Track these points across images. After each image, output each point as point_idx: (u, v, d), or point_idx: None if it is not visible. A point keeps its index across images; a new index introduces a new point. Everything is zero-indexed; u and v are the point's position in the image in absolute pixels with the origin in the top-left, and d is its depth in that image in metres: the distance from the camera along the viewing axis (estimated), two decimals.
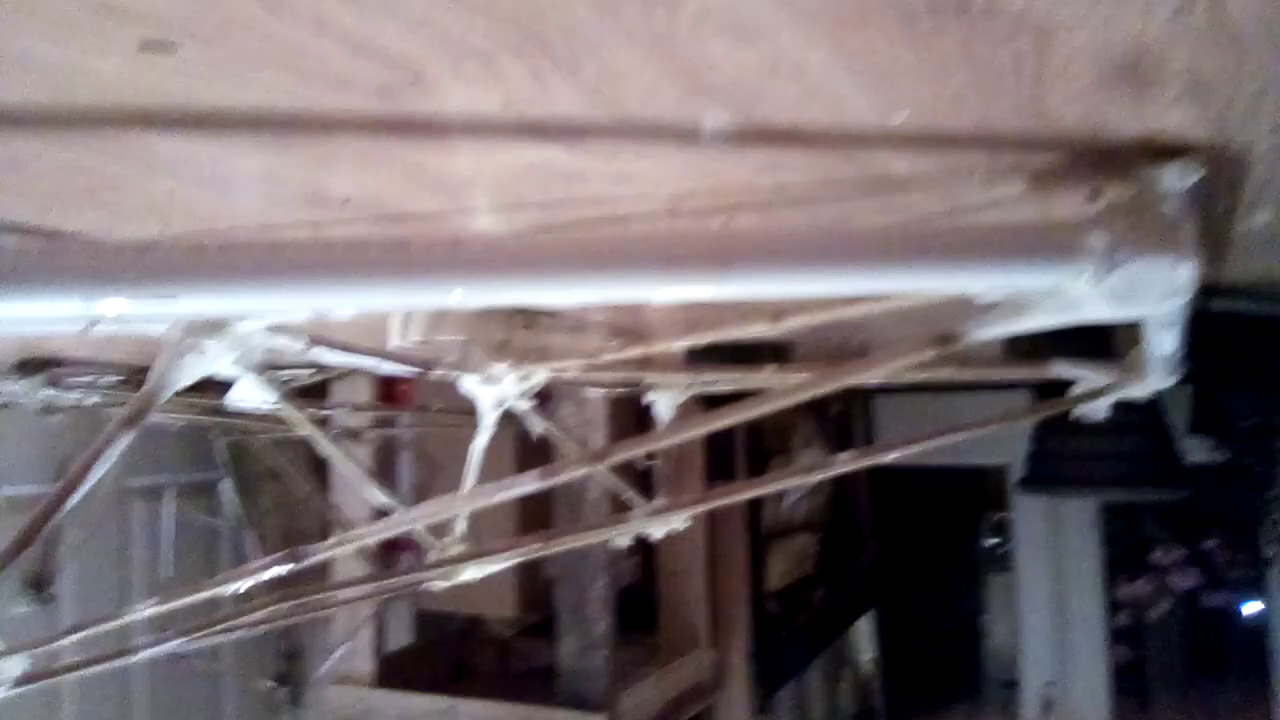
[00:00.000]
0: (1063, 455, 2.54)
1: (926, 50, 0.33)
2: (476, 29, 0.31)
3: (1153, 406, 2.46)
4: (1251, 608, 3.47)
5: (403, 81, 0.35)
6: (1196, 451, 2.62)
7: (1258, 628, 3.30)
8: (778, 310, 0.72)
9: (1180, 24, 0.31)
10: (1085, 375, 0.85)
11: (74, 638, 0.68)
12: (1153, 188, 0.46)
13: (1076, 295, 0.42)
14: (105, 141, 0.41)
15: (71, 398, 1.50)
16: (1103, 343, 0.88)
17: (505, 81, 0.36)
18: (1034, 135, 0.44)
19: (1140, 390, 0.83)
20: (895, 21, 0.31)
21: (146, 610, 0.69)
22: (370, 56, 0.33)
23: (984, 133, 0.43)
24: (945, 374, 1.06)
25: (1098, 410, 0.93)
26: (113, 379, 1.51)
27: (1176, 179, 0.46)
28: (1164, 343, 0.72)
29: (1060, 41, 0.33)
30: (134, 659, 0.74)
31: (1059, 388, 0.89)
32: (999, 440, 2.80)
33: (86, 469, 0.53)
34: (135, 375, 1.51)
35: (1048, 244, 0.39)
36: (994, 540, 4.61)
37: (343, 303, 0.38)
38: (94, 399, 1.54)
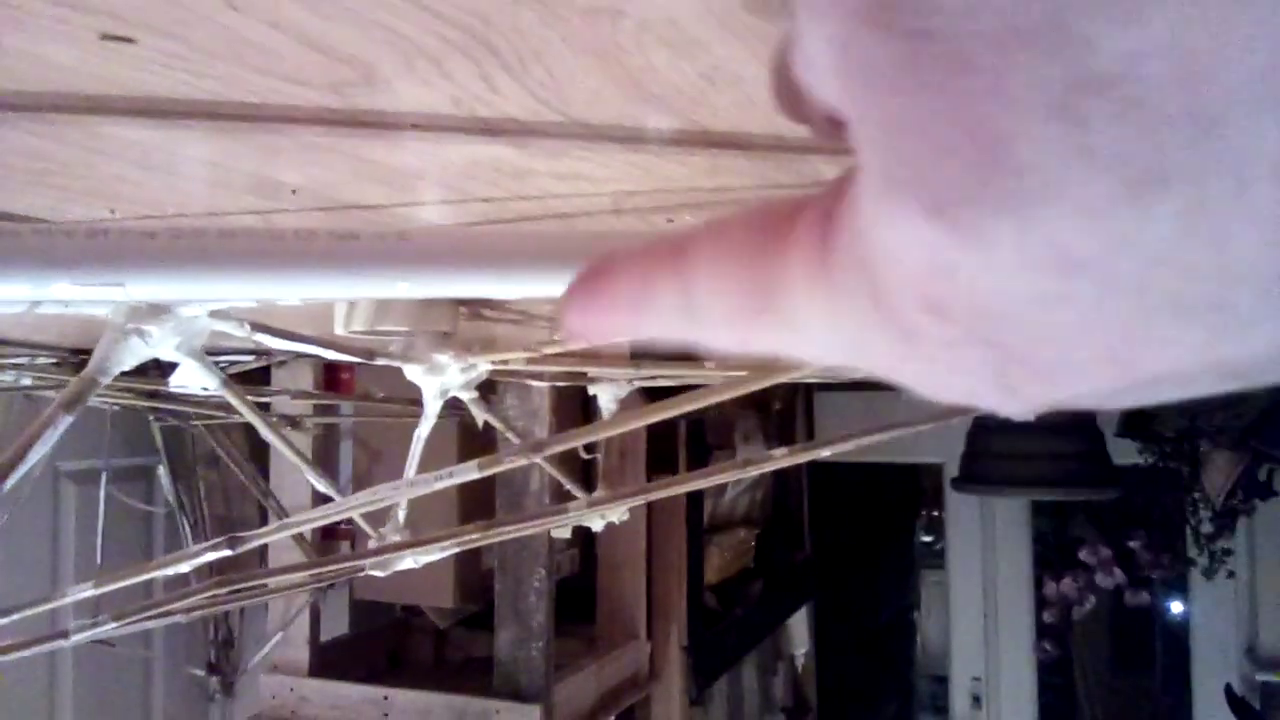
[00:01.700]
0: (995, 455, 2.61)
1: None
2: (428, 31, 0.32)
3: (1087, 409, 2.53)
4: (1174, 607, 3.58)
5: (355, 79, 0.36)
6: (1125, 453, 2.70)
7: (1180, 627, 3.40)
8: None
9: None
10: None
11: (2, 622, 0.68)
12: None
13: None
14: (56, 127, 0.42)
15: (4, 379, 1.47)
16: None
17: (455, 82, 0.37)
18: None
19: None
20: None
21: (78, 594, 0.69)
22: (324, 54, 0.34)
23: None
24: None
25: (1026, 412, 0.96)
26: (47, 360, 1.49)
27: None
28: None
29: None
30: (65, 643, 0.74)
31: None
32: (936, 439, 2.86)
33: (23, 452, 0.53)
34: (70, 357, 1.49)
35: None
36: (929, 537, 4.70)
37: (291, 291, 0.39)
38: (26, 381, 1.52)
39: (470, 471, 0.61)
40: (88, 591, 0.67)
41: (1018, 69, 0.10)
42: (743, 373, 0.95)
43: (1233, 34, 0.09)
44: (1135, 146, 0.10)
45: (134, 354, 0.51)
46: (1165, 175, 0.10)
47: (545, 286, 0.42)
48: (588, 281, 0.19)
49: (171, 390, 0.65)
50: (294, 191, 0.53)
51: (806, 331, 0.15)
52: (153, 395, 1.60)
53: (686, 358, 1.19)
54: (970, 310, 0.12)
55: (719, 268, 0.17)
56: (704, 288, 0.17)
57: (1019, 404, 0.14)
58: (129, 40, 0.32)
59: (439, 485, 0.62)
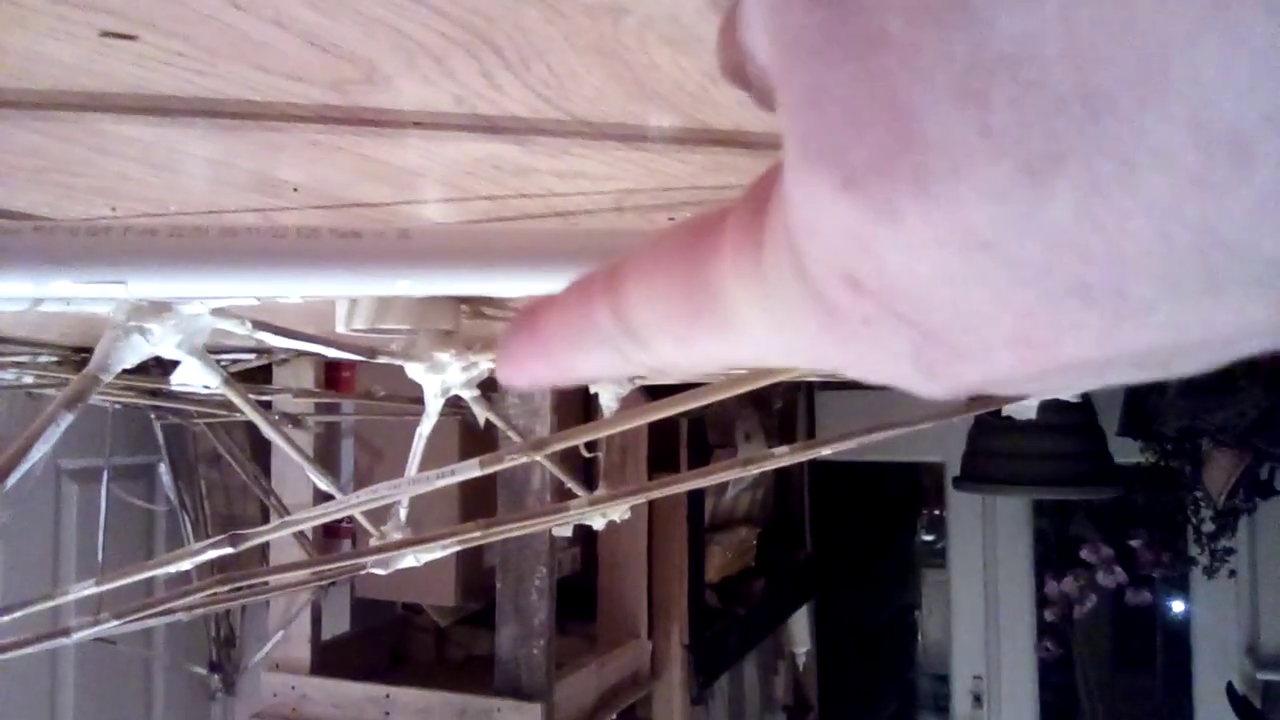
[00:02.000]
0: (997, 454, 2.61)
1: None
2: (430, 29, 0.32)
3: (1088, 407, 2.53)
4: (1175, 606, 3.58)
5: (357, 77, 0.36)
6: (1126, 452, 2.70)
7: (1181, 626, 3.40)
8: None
9: None
10: None
11: (4, 620, 0.68)
12: None
13: None
14: (58, 124, 0.42)
15: (5, 378, 1.47)
16: None
17: (457, 80, 0.37)
18: None
19: (1067, 391, 0.86)
20: None
21: (80, 592, 0.69)
22: (326, 52, 0.34)
23: None
24: None
25: (1028, 409, 0.96)
26: (48, 359, 1.49)
27: None
28: None
29: None
30: (66, 641, 0.74)
31: None
32: (937, 438, 2.86)
33: (25, 450, 0.53)
34: (72, 356, 1.49)
35: None
36: (930, 536, 4.70)
37: (293, 289, 0.39)
38: (28, 379, 1.52)
39: (472, 469, 0.61)
40: (89, 589, 0.67)
41: (926, 46, 0.10)
42: (744, 371, 0.95)
43: (1118, 18, 0.10)
44: (1032, 128, 0.10)
45: (135, 352, 0.51)
46: (1059, 158, 0.10)
47: (547, 284, 0.42)
48: (520, 324, 0.19)
49: (173, 388, 0.65)
50: (296, 189, 0.53)
51: (743, 326, 0.15)
52: (154, 393, 1.60)
53: None
54: (884, 286, 0.12)
55: (651, 279, 0.16)
56: (638, 302, 0.17)
57: (939, 385, 0.14)
58: (130, 38, 0.32)
59: (440, 483, 0.62)
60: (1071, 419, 2.50)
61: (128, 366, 0.52)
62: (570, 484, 1.13)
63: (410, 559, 0.82)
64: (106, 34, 0.32)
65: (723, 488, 2.69)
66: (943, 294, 0.12)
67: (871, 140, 0.11)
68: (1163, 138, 0.10)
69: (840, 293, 0.13)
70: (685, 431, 2.29)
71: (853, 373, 0.15)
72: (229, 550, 0.63)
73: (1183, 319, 0.11)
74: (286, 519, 0.66)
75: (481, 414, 0.99)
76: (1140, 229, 0.10)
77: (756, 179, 0.15)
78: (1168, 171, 0.10)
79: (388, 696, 1.78)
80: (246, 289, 0.39)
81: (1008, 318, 0.12)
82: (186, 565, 0.64)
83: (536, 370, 0.19)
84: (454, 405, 0.95)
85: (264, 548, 1.85)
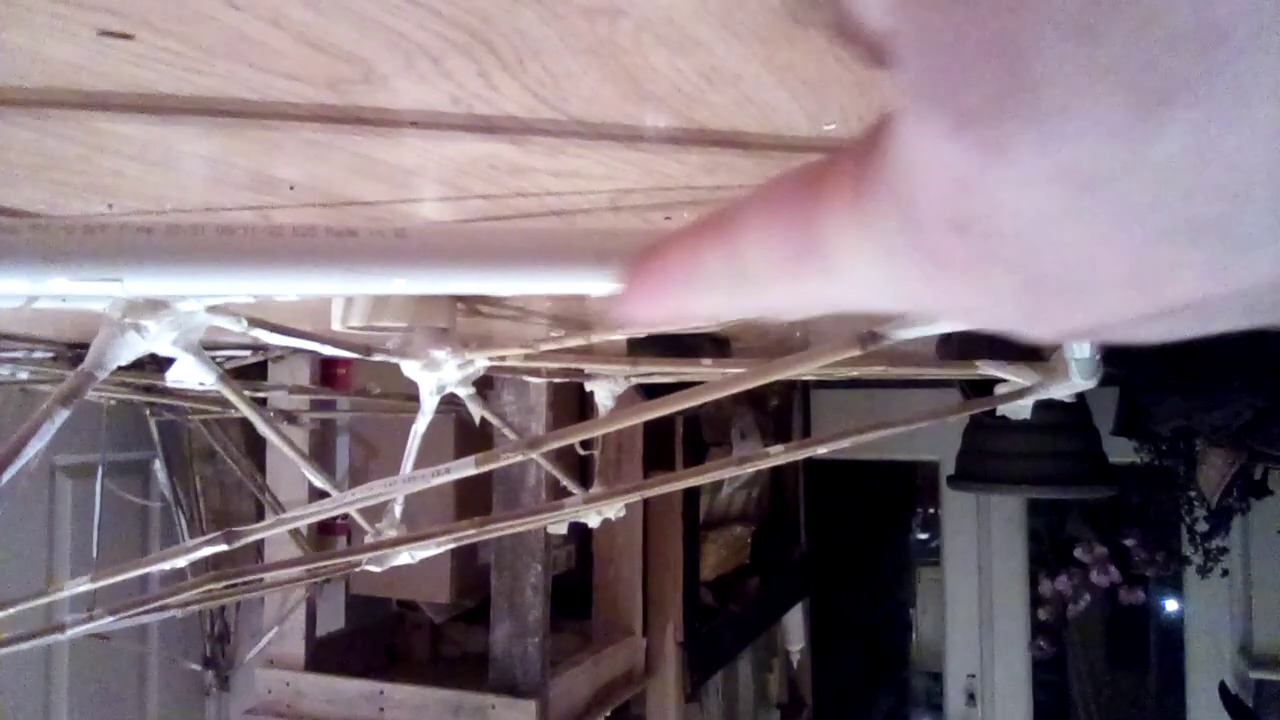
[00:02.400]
0: (992, 453, 2.61)
1: (851, 67, 0.35)
2: (427, 30, 0.32)
3: (1083, 407, 2.53)
4: (1169, 605, 3.59)
5: (354, 76, 0.36)
6: (1121, 452, 2.70)
7: (1174, 625, 3.41)
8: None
9: None
10: (1010, 375, 0.88)
11: (0, 615, 0.68)
12: None
13: None
14: (55, 122, 0.42)
15: (1, 373, 1.47)
16: (1034, 347, 0.91)
17: (454, 80, 0.37)
18: None
19: (1062, 391, 0.86)
20: (822, 40, 0.33)
21: (75, 589, 0.69)
22: (323, 52, 0.34)
23: None
24: (877, 371, 1.09)
25: (1022, 409, 0.96)
26: (44, 354, 1.49)
27: None
28: (1080, 347, 0.75)
29: None
30: (61, 637, 0.74)
31: (989, 386, 0.92)
32: (932, 436, 2.86)
33: (20, 446, 0.53)
34: (67, 352, 1.49)
35: None
36: (925, 534, 4.71)
37: (289, 288, 0.39)
38: (23, 374, 1.52)
39: (467, 468, 0.61)
40: (84, 586, 0.67)
41: None
42: (740, 370, 0.95)
43: None
44: (1147, 63, 0.10)
45: (131, 349, 0.51)
46: (1174, 93, 0.10)
47: (542, 283, 0.42)
48: (639, 264, 0.19)
49: (168, 385, 0.65)
50: (292, 187, 0.53)
51: (848, 271, 0.16)
52: (149, 389, 1.60)
53: (684, 353, 1.20)
54: (992, 229, 0.13)
55: (762, 224, 0.17)
56: (749, 245, 0.17)
57: (1042, 329, 0.14)
58: (127, 37, 0.32)
59: (435, 482, 0.62)
60: (1066, 418, 2.51)
61: (123, 363, 0.52)
62: (566, 482, 1.13)
63: (405, 556, 0.82)
64: (104, 33, 0.32)
65: (718, 485, 2.70)
66: (1050, 235, 0.12)
67: (984, 80, 0.11)
68: (1277, 70, 0.10)
69: (947, 237, 0.13)
70: (680, 429, 2.29)
71: (955, 317, 0.15)
72: (224, 548, 0.64)
73: None
74: (281, 516, 0.66)
75: (477, 412, 0.99)
76: (1251, 163, 0.11)
77: (867, 127, 0.15)
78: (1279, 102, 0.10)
79: (382, 693, 1.78)
80: (242, 287, 0.39)
81: (1114, 258, 0.12)
82: (181, 563, 0.64)
83: (655, 306, 0.19)
84: (450, 402, 0.96)
85: (259, 544, 1.85)
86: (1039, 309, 0.14)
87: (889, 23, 0.13)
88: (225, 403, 0.75)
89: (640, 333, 0.89)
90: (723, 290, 0.18)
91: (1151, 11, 0.10)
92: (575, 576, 2.20)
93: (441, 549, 0.80)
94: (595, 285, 0.42)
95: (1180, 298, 0.12)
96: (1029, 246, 0.13)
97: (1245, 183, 0.11)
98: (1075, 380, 0.83)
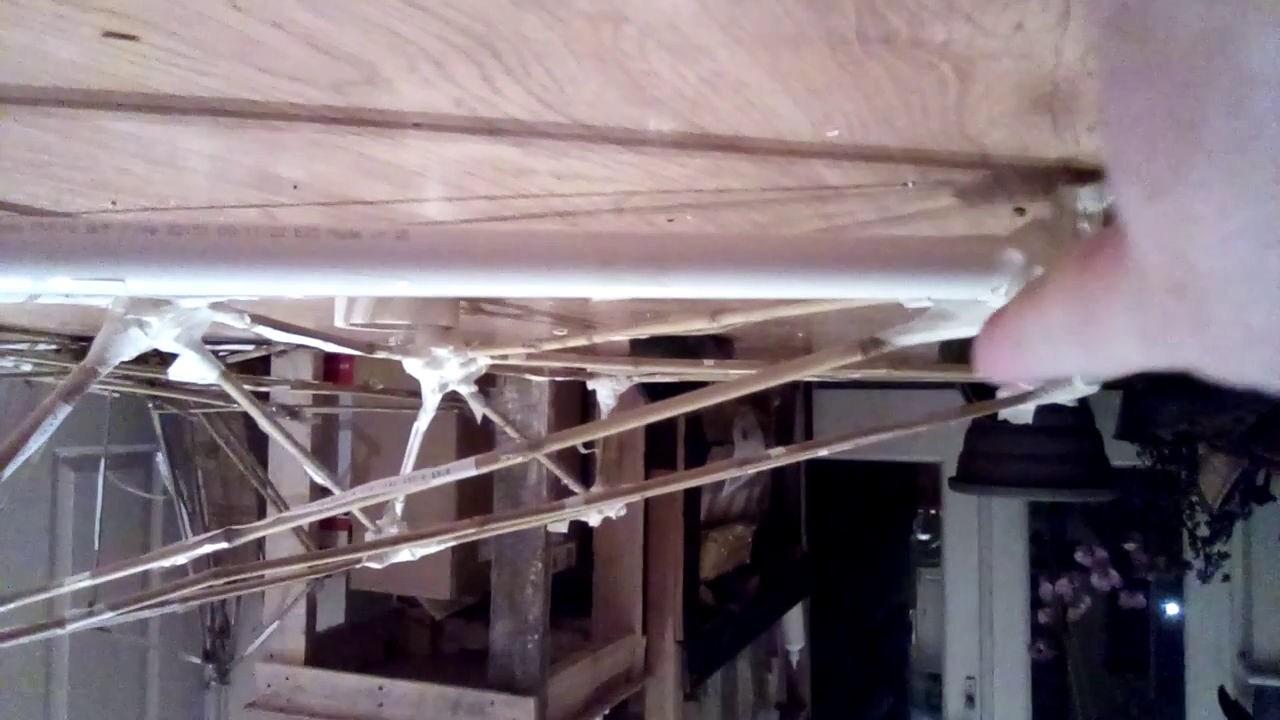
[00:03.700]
0: (993, 455, 2.61)
1: (856, 73, 0.35)
2: (430, 34, 0.32)
3: (1086, 411, 2.53)
4: (1169, 610, 3.58)
5: (357, 78, 0.36)
6: (1123, 455, 2.70)
7: (1174, 629, 3.41)
8: (717, 309, 0.74)
9: (1087, 64, 0.34)
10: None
11: (1, 609, 0.68)
12: (1071, 207, 0.49)
13: (994, 307, 0.44)
14: (59, 120, 0.42)
15: (4, 365, 1.47)
16: None
17: (457, 83, 0.37)
18: (960, 154, 0.46)
19: (1064, 395, 0.86)
20: (826, 46, 0.33)
21: (76, 584, 0.69)
22: (327, 54, 0.34)
23: (912, 149, 0.45)
24: (880, 373, 1.09)
25: (1024, 413, 0.96)
26: (47, 347, 1.49)
27: (1093, 200, 0.49)
28: None
29: (981, 72, 0.35)
30: (61, 632, 0.74)
31: (991, 390, 0.92)
32: (934, 438, 2.86)
33: (22, 441, 0.53)
34: (70, 344, 1.49)
35: (966, 258, 0.41)
36: (926, 535, 4.71)
37: (292, 289, 0.39)
38: (26, 367, 1.52)
39: (467, 469, 0.61)
40: (84, 582, 0.67)
41: (1198, 67, 0.12)
42: (743, 372, 0.95)
43: None
44: None
45: (134, 345, 0.51)
46: None
47: (545, 286, 0.42)
48: (990, 336, 0.23)
49: (171, 379, 0.65)
50: (295, 187, 0.53)
51: (1118, 334, 0.18)
52: (152, 383, 1.60)
53: (687, 354, 1.19)
54: (1200, 289, 0.14)
55: (1060, 298, 0.20)
56: (1054, 316, 0.20)
57: (1268, 376, 0.15)
58: (131, 38, 0.32)
59: (436, 482, 0.62)
60: (1068, 422, 2.50)
61: (126, 359, 0.52)
62: (567, 481, 1.13)
63: (406, 554, 0.82)
64: (108, 34, 0.32)
65: (719, 485, 2.70)
66: (1251, 291, 0.13)
67: (1165, 153, 0.13)
68: None
69: (1170, 298, 0.15)
70: (683, 428, 2.29)
71: (1209, 372, 0.16)
72: (224, 545, 0.64)
73: None
74: (282, 515, 0.66)
75: (479, 410, 0.99)
76: None
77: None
78: None
79: (381, 688, 1.79)
80: (245, 288, 0.39)
81: None
82: (182, 560, 0.65)
83: (1010, 367, 0.23)
84: (452, 400, 0.96)
85: (260, 539, 1.85)
86: (1265, 360, 0.15)
87: (1098, 95, 0.15)
88: (228, 397, 0.75)
89: (643, 334, 0.89)
90: (1045, 353, 0.21)
91: None
92: (575, 574, 2.20)
93: (442, 547, 0.81)
94: (597, 289, 0.42)
95: None
96: (1236, 303, 0.14)
97: None
98: (1078, 384, 0.83)
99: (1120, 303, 0.17)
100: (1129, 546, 2.95)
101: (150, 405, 2.03)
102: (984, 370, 0.24)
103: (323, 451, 1.97)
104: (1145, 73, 0.13)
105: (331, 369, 2.01)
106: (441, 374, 0.85)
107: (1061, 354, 0.21)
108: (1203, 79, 0.12)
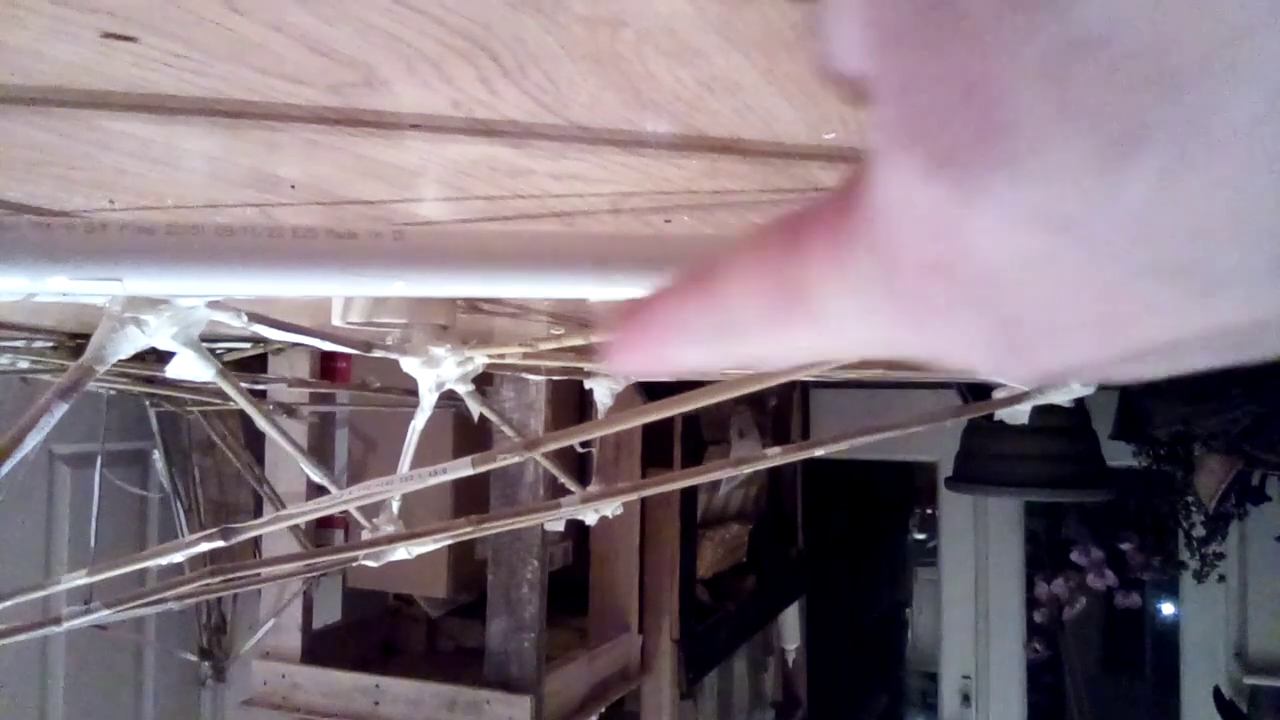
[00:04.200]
0: (989, 455, 2.61)
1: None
2: (428, 36, 0.32)
3: (1082, 411, 2.54)
4: (1165, 610, 3.59)
5: (355, 80, 0.37)
6: (1119, 456, 2.70)
7: (1170, 629, 3.41)
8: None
9: None
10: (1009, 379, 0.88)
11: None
12: None
13: None
14: (58, 120, 0.42)
15: (1, 363, 1.47)
16: None
17: (454, 85, 0.37)
18: None
19: (1060, 396, 0.86)
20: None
21: (72, 582, 0.69)
22: (325, 55, 0.34)
23: None
24: (877, 373, 1.09)
25: (1019, 414, 0.96)
26: (44, 344, 1.49)
27: None
28: None
29: None
30: (58, 629, 0.74)
31: (988, 390, 0.92)
32: (931, 437, 2.86)
33: (19, 439, 0.53)
34: (68, 341, 1.49)
35: None
36: (922, 535, 4.71)
37: (289, 289, 0.39)
38: (23, 364, 1.52)
39: (464, 468, 0.61)
40: (81, 580, 0.67)
41: (1009, 29, 0.11)
42: (740, 372, 0.95)
43: (1200, 1, 0.10)
44: (1113, 108, 0.11)
45: (131, 343, 0.51)
46: (1139, 137, 0.11)
47: (541, 287, 0.42)
48: (626, 318, 0.20)
49: (168, 377, 0.65)
50: (293, 186, 0.54)
51: (832, 318, 0.16)
52: (149, 380, 1.60)
53: None
54: (968, 271, 0.13)
55: (747, 274, 0.17)
56: (734, 296, 0.17)
57: (1021, 370, 0.14)
58: (130, 39, 0.32)
59: (432, 481, 0.62)
60: (1065, 421, 2.51)
61: (123, 357, 0.52)
62: (564, 479, 1.13)
63: (402, 552, 0.82)
64: (107, 35, 0.32)
65: (716, 484, 2.70)
66: (1024, 277, 0.12)
67: (960, 123, 0.12)
68: (1240, 115, 0.10)
69: (926, 279, 0.13)
70: (679, 427, 2.29)
71: (938, 360, 0.15)
72: (221, 544, 0.64)
73: (1259, 296, 0.12)
74: (279, 513, 0.66)
75: (476, 409, 0.99)
76: (1217, 205, 0.11)
77: (846, 176, 0.15)
78: (1243, 148, 0.10)
79: (377, 686, 1.79)
80: (242, 288, 0.39)
81: (1086, 299, 0.12)
82: (178, 558, 0.65)
83: (646, 359, 0.20)
84: (449, 398, 0.96)
85: (256, 537, 1.85)
86: (1016, 351, 0.14)
87: (868, 66, 0.13)
88: (225, 395, 0.75)
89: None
90: (709, 341, 0.18)
91: (1118, 58, 0.10)
92: (572, 573, 2.20)
93: (439, 546, 0.81)
94: (594, 290, 0.42)
95: (1151, 339, 0.13)
96: (1005, 288, 0.13)
97: (1211, 226, 0.11)
98: (1074, 385, 0.83)
99: (846, 282, 0.15)
100: (1125, 546, 2.95)
101: (147, 403, 2.03)
102: (617, 357, 0.20)
103: (319, 450, 1.97)
104: (939, 33, 0.11)
105: (329, 367, 2.01)
106: (438, 373, 0.85)
107: (739, 340, 0.18)
108: (1014, 42, 0.11)
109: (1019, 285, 0.13)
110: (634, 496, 1.02)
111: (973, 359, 0.15)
